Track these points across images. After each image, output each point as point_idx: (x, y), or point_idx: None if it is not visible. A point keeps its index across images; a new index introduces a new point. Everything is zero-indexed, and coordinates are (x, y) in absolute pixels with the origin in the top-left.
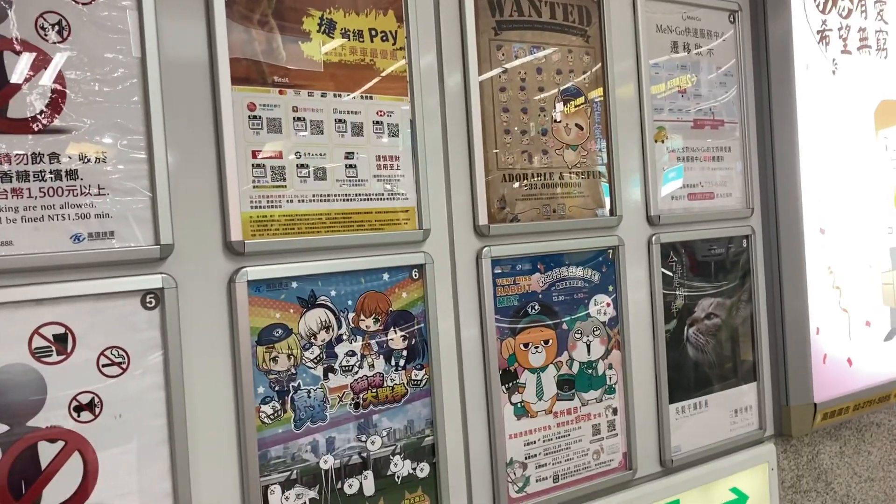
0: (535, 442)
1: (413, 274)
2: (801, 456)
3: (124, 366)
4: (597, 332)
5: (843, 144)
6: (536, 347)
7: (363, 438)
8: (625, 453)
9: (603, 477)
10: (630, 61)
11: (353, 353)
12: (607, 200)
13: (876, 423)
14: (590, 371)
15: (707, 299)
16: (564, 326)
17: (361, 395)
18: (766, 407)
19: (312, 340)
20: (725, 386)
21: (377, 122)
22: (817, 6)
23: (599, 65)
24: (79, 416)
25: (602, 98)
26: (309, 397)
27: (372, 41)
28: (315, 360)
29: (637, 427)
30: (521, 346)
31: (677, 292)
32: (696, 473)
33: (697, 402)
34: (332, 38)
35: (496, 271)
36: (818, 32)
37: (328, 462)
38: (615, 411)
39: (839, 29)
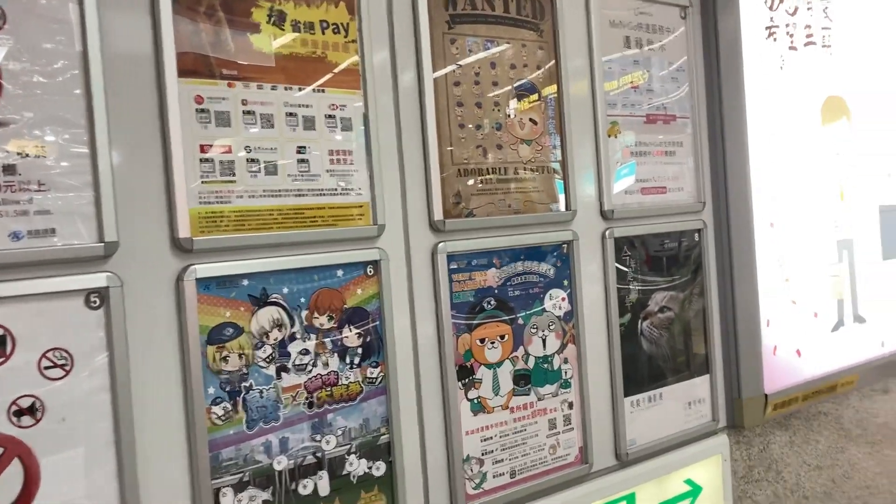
0: (491, 438)
1: (368, 270)
2: (752, 446)
3: (68, 368)
4: (552, 327)
5: (792, 139)
6: (493, 343)
7: (318, 438)
8: (581, 447)
9: (559, 472)
10: (583, 56)
11: (306, 352)
12: (562, 195)
13: (823, 413)
14: (545, 366)
15: (660, 293)
16: (520, 321)
17: (315, 395)
18: (718, 399)
19: (264, 339)
20: (679, 379)
21: (330, 116)
22: (765, 3)
23: (553, 60)
24: (19, 420)
25: (556, 93)
26: (261, 397)
27: (323, 33)
28: (267, 360)
29: (593, 421)
30: (478, 341)
31: (631, 286)
32: (651, 466)
33: (652, 396)
34: (283, 30)
35: (452, 267)
36: (766, 29)
37: (282, 463)
38: (571, 405)
39: (786, 25)
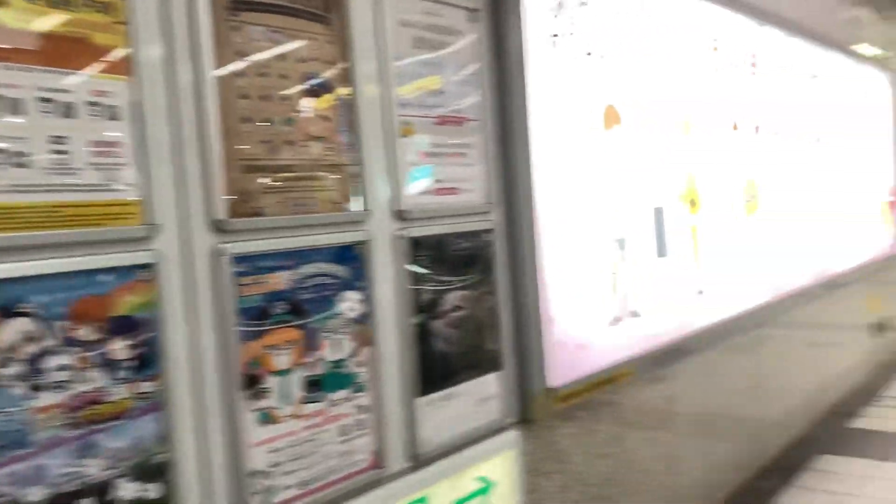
0: (281, 449)
1: (140, 275)
2: (541, 439)
3: None
4: (346, 330)
5: (576, 144)
6: (282, 349)
7: (80, 463)
8: (375, 452)
9: (353, 478)
10: (374, 54)
11: (65, 367)
12: (355, 195)
13: (606, 403)
14: (338, 370)
15: (453, 292)
16: (313, 325)
17: (77, 414)
18: (509, 395)
19: (13, 355)
20: (472, 376)
21: (93, 104)
22: (550, 10)
23: (344, 56)
24: None
25: (348, 90)
26: (9, 421)
27: (86, 11)
28: (17, 378)
29: (387, 424)
30: (266, 348)
31: (426, 286)
32: (444, 466)
33: (446, 394)
34: (36, 4)
35: (238, 270)
36: (551, 36)
37: (36, 494)
38: (365, 410)
39: (570, 34)
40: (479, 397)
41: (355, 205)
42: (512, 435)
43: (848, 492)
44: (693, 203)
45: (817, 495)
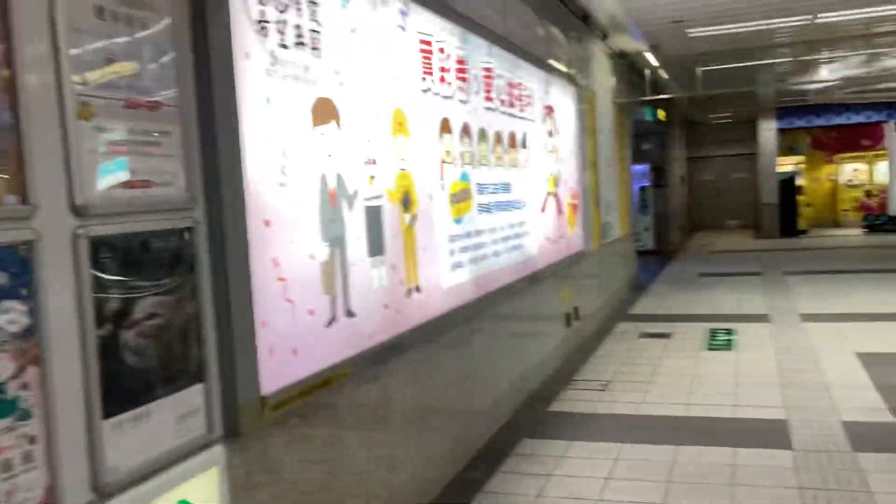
0: None
1: None
2: (252, 452)
3: None
4: (5, 348)
5: (287, 138)
6: None
7: None
8: (48, 487)
9: None
10: (43, 24)
11: None
12: (17, 186)
13: (322, 407)
14: None
15: (148, 298)
16: None
17: None
18: (215, 407)
19: None
20: (171, 390)
21: None
22: None
23: (4, 24)
24: None
25: (5, 59)
26: None
27: None
28: None
29: (62, 454)
30: None
31: (113, 293)
32: (136, 494)
33: (138, 414)
34: None
35: None
36: (258, 23)
37: None
38: (32, 439)
39: (277, 23)
40: (179, 413)
41: (17, 197)
42: (217, 451)
43: (548, 472)
44: (408, 202)
45: (521, 479)
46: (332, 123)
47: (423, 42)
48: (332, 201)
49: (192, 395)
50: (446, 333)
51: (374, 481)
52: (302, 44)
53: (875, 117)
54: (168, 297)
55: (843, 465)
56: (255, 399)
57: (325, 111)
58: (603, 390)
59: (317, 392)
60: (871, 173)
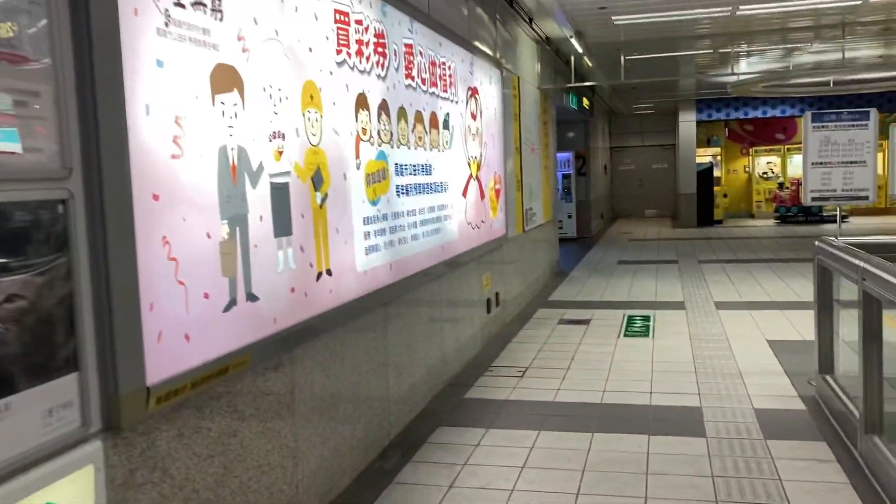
0: None
1: None
2: (135, 448)
3: None
4: None
5: (182, 106)
6: None
7: None
8: None
9: None
10: None
11: None
12: None
13: (216, 397)
14: None
15: (8, 278)
16: None
17: None
18: (91, 399)
19: None
20: (36, 382)
21: None
22: None
23: None
24: None
25: None
26: None
27: None
28: None
29: None
30: None
31: None
32: None
33: None
34: None
35: None
36: None
37: None
38: None
39: None
40: (47, 406)
41: None
42: (94, 447)
43: (462, 462)
44: (319, 181)
45: (434, 468)
46: (235, 93)
47: (338, 12)
48: (234, 176)
49: (64, 386)
50: (360, 318)
51: (276, 475)
52: (201, 4)
53: (789, 111)
54: (34, 276)
55: (755, 452)
56: (138, 389)
57: (226, 79)
58: (521, 377)
59: (213, 381)
60: (784, 166)
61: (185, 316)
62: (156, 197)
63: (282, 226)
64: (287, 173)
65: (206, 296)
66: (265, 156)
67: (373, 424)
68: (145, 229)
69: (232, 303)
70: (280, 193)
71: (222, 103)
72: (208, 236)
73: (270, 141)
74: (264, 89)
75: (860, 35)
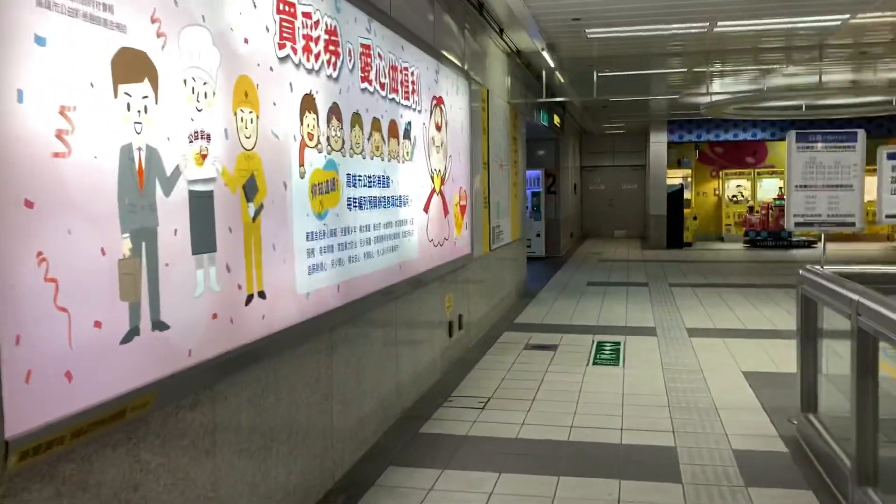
0: None
1: None
2: None
3: None
4: None
5: (70, 94)
6: None
7: None
8: None
9: None
10: None
11: None
12: None
13: (111, 446)
14: None
15: None
16: None
17: None
18: None
19: None
20: None
21: None
22: None
23: None
24: None
25: None
26: None
27: None
28: None
29: None
30: None
31: None
32: None
33: None
34: None
35: None
36: None
37: None
38: None
39: None
40: None
41: None
42: None
43: None
44: (253, 190)
45: None
46: (146, 83)
47: (282, 2)
48: (140, 182)
49: None
50: (301, 346)
51: None
52: None
53: (760, 135)
54: None
55: (735, 502)
56: None
57: (134, 67)
58: (482, 409)
59: (105, 427)
60: (753, 190)
61: (66, 350)
62: (29, 203)
63: (203, 241)
64: (212, 180)
65: (98, 325)
66: (183, 159)
67: (313, 466)
68: (12, 242)
69: (133, 332)
70: (201, 203)
71: (128, 94)
72: (103, 253)
73: (191, 142)
74: (185, 82)
75: (834, 60)
